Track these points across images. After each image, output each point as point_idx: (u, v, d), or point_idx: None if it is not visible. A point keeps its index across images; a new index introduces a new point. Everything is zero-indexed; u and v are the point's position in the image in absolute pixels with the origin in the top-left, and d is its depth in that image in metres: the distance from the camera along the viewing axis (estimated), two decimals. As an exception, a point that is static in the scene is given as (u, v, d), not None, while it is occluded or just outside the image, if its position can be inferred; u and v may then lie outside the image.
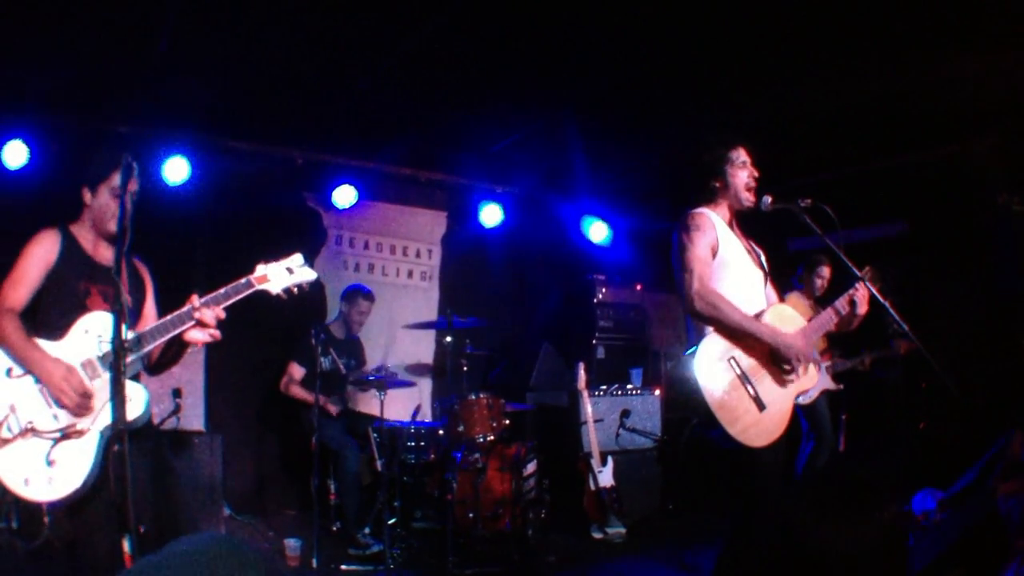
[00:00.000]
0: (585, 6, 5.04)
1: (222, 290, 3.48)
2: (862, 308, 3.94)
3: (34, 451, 3.19)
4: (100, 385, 3.31)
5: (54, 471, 3.17)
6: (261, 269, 3.58)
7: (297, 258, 3.66)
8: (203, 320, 3.40)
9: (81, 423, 3.24)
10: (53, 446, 3.19)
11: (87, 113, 6.35)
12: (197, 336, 3.47)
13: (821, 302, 6.65)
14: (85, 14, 5.01)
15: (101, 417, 3.26)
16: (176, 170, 6.61)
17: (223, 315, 3.46)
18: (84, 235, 3.66)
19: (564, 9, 5.07)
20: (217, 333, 3.49)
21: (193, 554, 1.54)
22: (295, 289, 3.61)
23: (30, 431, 3.20)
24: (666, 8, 5.04)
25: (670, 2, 4.98)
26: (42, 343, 3.36)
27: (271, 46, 5.55)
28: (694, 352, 3.61)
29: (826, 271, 6.74)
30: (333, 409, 6.67)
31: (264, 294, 3.55)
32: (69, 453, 3.20)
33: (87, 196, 3.65)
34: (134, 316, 3.71)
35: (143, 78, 5.91)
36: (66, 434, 3.21)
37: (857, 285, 3.94)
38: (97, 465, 3.22)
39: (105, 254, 3.63)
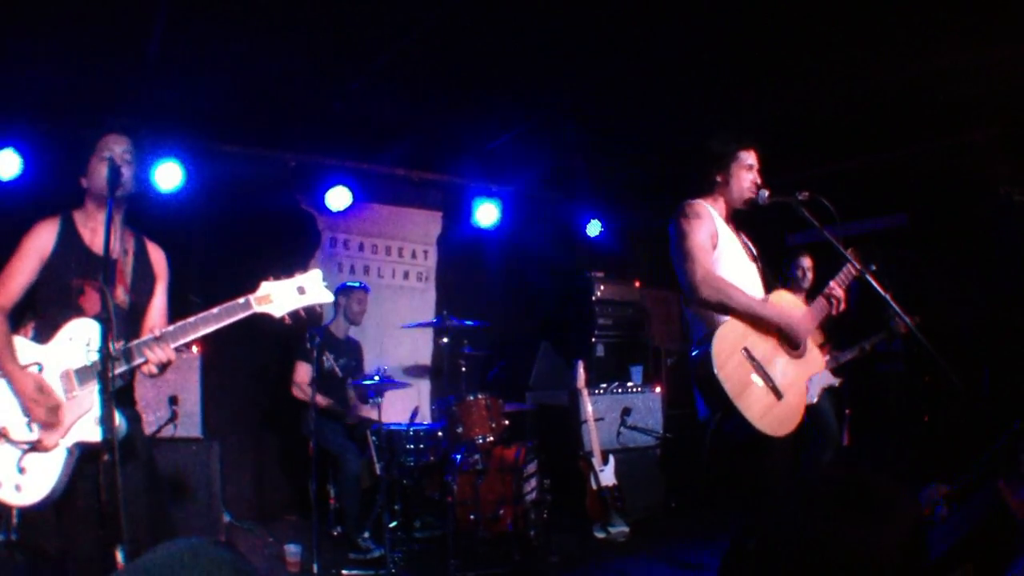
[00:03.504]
0: (582, 2, 5.00)
1: (214, 310, 3.17)
2: (837, 291, 3.92)
3: (7, 455, 3.11)
4: (75, 399, 3.16)
5: (24, 478, 3.09)
6: (265, 288, 3.21)
7: (314, 276, 3.29)
8: (149, 359, 3.13)
9: (49, 439, 3.11)
10: (24, 455, 3.11)
11: (77, 119, 6.29)
12: (147, 369, 3.20)
13: (811, 295, 6.60)
14: (74, 19, 4.98)
15: (71, 434, 3.13)
16: (168, 175, 6.56)
17: (172, 356, 3.15)
18: (85, 222, 3.44)
19: (559, 5, 5.03)
20: (155, 371, 3.18)
21: (167, 561, 1.50)
22: (303, 312, 3.24)
23: (2, 436, 3.12)
24: (665, 2, 5.01)
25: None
26: (29, 345, 3.24)
27: (262, 48, 5.52)
28: (707, 347, 3.57)
29: (806, 261, 6.66)
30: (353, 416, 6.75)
31: (265, 317, 3.19)
32: (38, 464, 3.11)
33: (84, 182, 3.46)
34: (136, 316, 3.50)
35: (134, 83, 5.88)
36: (34, 446, 3.10)
37: (842, 271, 3.92)
38: (63, 479, 3.11)
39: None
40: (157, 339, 3.14)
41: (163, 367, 3.21)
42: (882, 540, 1.44)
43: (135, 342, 3.16)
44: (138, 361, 3.14)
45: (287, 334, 6.81)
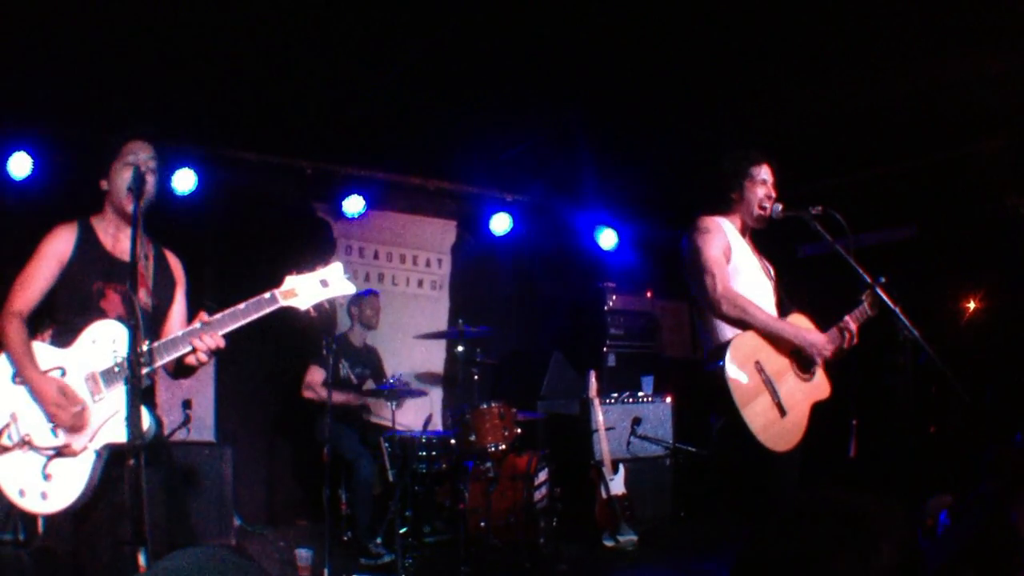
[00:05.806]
0: (595, 13, 5.06)
1: (241, 306, 3.15)
2: (852, 326, 3.94)
3: (31, 463, 3.06)
4: (101, 401, 3.11)
5: (49, 485, 3.04)
6: (290, 282, 3.21)
7: (336, 268, 3.30)
8: (197, 348, 3.11)
9: (77, 442, 3.06)
10: (48, 461, 3.05)
11: (93, 124, 6.37)
12: (192, 360, 3.22)
13: None
14: (91, 24, 5.04)
15: (99, 436, 3.08)
16: (184, 181, 6.64)
17: (222, 344, 3.14)
18: (104, 228, 3.42)
19: (573, 16, 5.09)
20: (205, 358, 3.17)
21: (190, 568, 1.52)
22: (326, 304, 3.27)
23: (27, 444, 3.07)
24: (676, 14, 5.07)
25: (680, 8, 5.01)
26: (50, 349, 3.21)
27: (279, 56, 5.58)
28: (722, 353, 3.61)
29: None
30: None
31: (291, 311, 3.19)
32: (65, 469, 3.05)
33: (103, 184, 3.41)
34: (156, 320, 3.47)
35: (150, 88, 5.93)
36: (60, 451, 3.05)
37: (857, 309, 3.93)
38: (92, 483, 3.06)
39: (126, 248, 3.22)
40: (206, 327, 3.14)
41: (211, 354, 3.18)
42: (871, 565, 1.46)
43: (159, 342, 3.15)
44: (162, 361, 3.13)
45: (301, 339, 6.90)
